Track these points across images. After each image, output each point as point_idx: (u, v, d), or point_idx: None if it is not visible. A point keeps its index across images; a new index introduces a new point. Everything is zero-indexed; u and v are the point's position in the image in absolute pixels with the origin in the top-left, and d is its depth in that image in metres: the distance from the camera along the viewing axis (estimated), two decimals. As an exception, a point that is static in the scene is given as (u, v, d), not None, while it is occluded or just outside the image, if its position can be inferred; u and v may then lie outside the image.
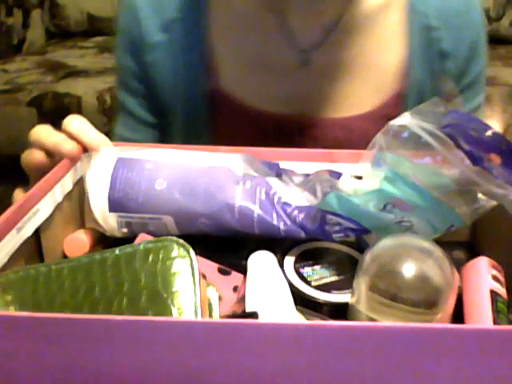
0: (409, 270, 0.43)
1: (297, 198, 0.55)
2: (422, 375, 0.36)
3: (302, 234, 0.52)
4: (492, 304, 0.45)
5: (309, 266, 0.52)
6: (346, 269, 0.51)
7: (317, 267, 0.52)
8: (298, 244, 0.54)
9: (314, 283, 0.50)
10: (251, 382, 0.37)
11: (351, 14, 0.75)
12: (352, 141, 0.77)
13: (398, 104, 0.78)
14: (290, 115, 0.77)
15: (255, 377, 0.36)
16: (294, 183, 0.57)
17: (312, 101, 0.77)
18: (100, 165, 0.55)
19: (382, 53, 0.77)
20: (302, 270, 0.51)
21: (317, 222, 0.52)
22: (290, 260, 0.52)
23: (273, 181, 0.56)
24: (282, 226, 0.52)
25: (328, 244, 0.54)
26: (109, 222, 0.54)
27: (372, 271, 0.44)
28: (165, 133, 0.82)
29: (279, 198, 0.54)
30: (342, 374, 0.36)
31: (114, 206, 0.53)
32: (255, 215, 0.52)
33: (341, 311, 0.47)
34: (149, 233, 0.53)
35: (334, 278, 0.50)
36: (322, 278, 0.50)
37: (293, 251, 0.53)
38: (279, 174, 0.59)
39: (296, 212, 0.53)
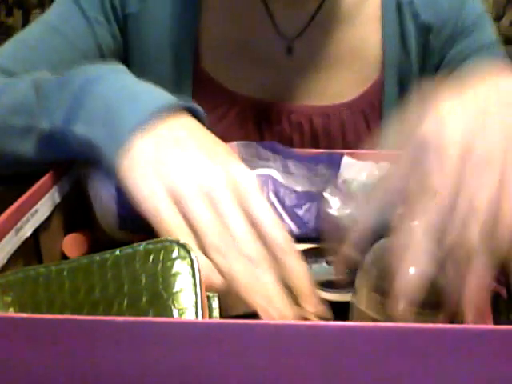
0: (413, 270, 0.43)
1: (305, 187, 0.55)
2: (422, 375, 0.36)
3: (315, 236, 0.53)
4: (492, 304, 0.45)
5: (307, 263, 0.52)
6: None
7: (315, 265, 0.52)
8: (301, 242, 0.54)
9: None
10: (252, 383, 0.37)
11: (334, 2, 0.75)
12: (329, 129, 0.78)
13: (378, 91, 0.78)
14: (270, 101, 0.77)
15: (256, 377, 0.36)
16: (295, 168, 0.58)
17: (293, 89, 0.78)
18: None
19: (364, 40, 0.77)
20: None
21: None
22: None
23: (277, 175, 0.56)
24: (294, 231, 0.53)
25: (330, 244, 0.54)
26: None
27: (374, 271, 0.44)
28: None
29: (289, 198, 0.54)
30: (342, 374, 0.36)
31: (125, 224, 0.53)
32: None
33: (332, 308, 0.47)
34: None
35: (327, 277, 0.50)
36: (315, 276, 0.50)
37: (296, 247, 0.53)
38: (279, 153, 0.59)
39: (308, 215, 0.53)
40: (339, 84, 0.78)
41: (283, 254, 0.46)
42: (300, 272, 0.46)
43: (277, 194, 0.54)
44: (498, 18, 2.37)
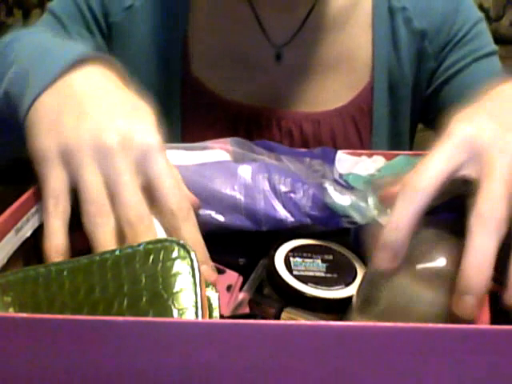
0: None
1: (299, 177, 0.55)
2: (422, 375, 0.36)
3: (310, 223, 0.52)
4: (490, 304, 0.45)
5: (301, 257, 0.52)
6: (337, 270, 0.51)
7: (308, 260, 0.51)
8: (305, 238, 0.54)
9: (295, 272, 0.50)
10: (252, 383, 0.37)
11: (323, 9, 0.75)
12: (319, 135, 0.78)
13: (368, 96, 0.78)
14: (261, 107, 0.77)
15: (256, 377, 0.36)
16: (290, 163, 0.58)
17: (283, 95, 0.77)
18: None
19: (354, 46, 0.77)
20: (291, 258, 0.51)
21: (326, 210, 0.52)
22: (288, 246, 0.52)
23: (272, 163, 0.56)
24: (289, 218, 0.52)
25: (334, 245, 0.54)
26: None
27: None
28: None
29: (284, 184, 0.54)
30: (342, 374, 0.36)
31: None
32: (261, 213, 0.52)
33: (306, 302, 0.48)
34: None
35: (318, 274, 0.50)
36: (306, 271, 0.50)
37: (297, 241, 0.53)
38: (272, 150, 0.59)
39: (304, 200, 0.53)
40: (329, 90, 0.78)
41: (178, 221, 0.45)
42: (195, 239, 0.46)
43: (271, 181, 0.54)
44: (497, 18, 2.37)
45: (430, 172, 0.42)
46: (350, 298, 0.47)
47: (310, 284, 0.49)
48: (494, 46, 0.81)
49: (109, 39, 0.78)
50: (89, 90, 0.50)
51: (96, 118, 0.47)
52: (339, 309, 0.47)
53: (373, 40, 0.76)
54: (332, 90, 0.78)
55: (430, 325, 0.36)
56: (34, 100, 0.49)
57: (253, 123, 0.77)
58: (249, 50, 0.77)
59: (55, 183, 0.46)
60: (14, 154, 0.62)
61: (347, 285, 0.49)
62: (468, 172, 0.43)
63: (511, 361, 0.36)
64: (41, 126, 0.48)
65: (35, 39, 0.58)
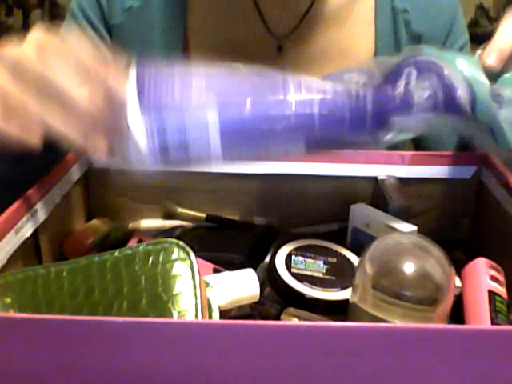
0: (412, 267, 0.43)
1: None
2: (421, 375, 0.36)
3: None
4: (490, 304, 0.45)
5: (303, 256, 0.52)
6: (336, 273, 0.51)
7: (310, 260, 0.51)
8: (310, 239, 0.54)
9: (293, 270, 0.50)
10: (251, 382, 0.37)
11: (324, 1, 0.75)
12: None
13: None
14: None
15: (255, 377, 0.36)
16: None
17: None
18: None
19: (355, 40, 0.77)
20: (293, 256, 0.51)
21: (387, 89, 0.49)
22: (293, 244, 0.52)
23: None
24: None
25: (342, 249, 0.54)
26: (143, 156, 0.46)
27: (375, 269, 0.44)
28: None
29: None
30: (342, 374, 0.36)
31: (146, 107, 0.46)
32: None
33: (301, 302, 0.48)
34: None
35: (316, 274, 0.50)
36: (305, 270, 0.50)
37: (303, 241, 0.53)
38: None
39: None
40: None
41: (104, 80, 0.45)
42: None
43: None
44: (498, 18, 2.37)
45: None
46: (343, 301, 0.47)
47: (305, 283, 0.49)
48: None
49: (112, 42, 0.78)
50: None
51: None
52: (332, 310, 0.47)
53: (376, 37, 0.77)
54: None
55: (430, 325, 0.36)
56: None
57: None
58: (250, 43, 0.77)
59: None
60: None
61: (343, 288, 0.49)
62: None
63: (510, 361, 0.36)
64: None
65: None
